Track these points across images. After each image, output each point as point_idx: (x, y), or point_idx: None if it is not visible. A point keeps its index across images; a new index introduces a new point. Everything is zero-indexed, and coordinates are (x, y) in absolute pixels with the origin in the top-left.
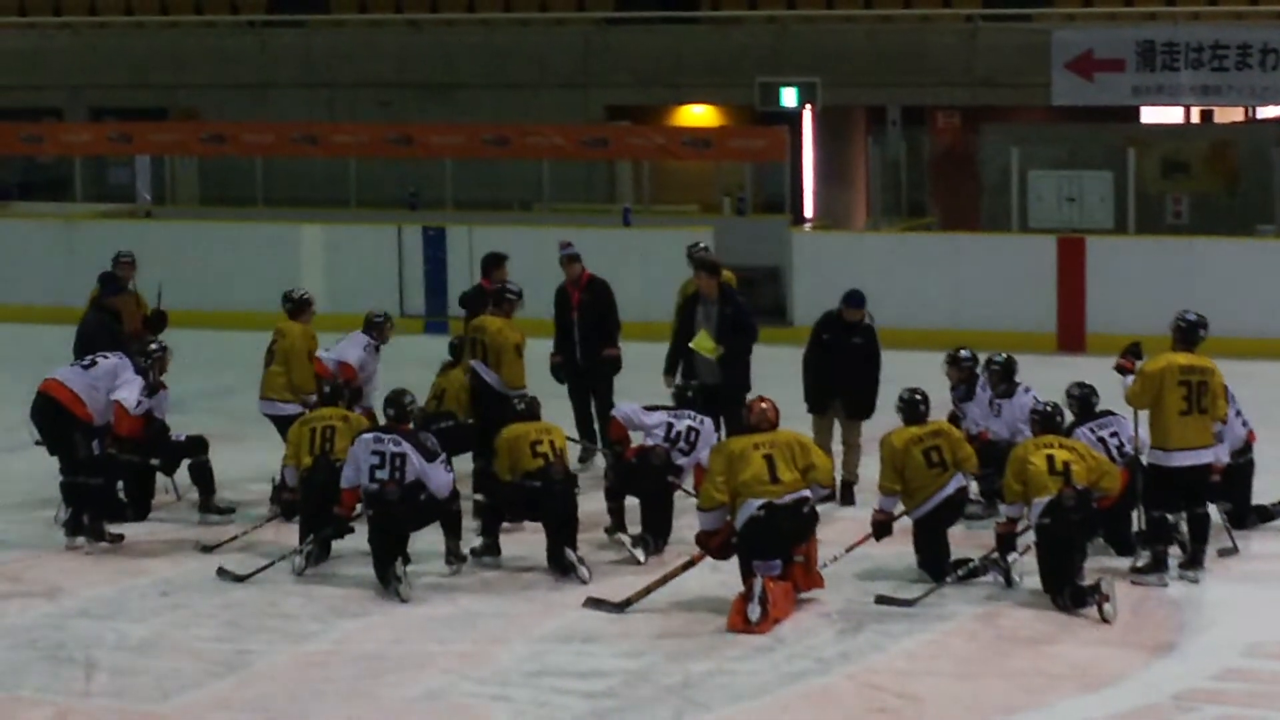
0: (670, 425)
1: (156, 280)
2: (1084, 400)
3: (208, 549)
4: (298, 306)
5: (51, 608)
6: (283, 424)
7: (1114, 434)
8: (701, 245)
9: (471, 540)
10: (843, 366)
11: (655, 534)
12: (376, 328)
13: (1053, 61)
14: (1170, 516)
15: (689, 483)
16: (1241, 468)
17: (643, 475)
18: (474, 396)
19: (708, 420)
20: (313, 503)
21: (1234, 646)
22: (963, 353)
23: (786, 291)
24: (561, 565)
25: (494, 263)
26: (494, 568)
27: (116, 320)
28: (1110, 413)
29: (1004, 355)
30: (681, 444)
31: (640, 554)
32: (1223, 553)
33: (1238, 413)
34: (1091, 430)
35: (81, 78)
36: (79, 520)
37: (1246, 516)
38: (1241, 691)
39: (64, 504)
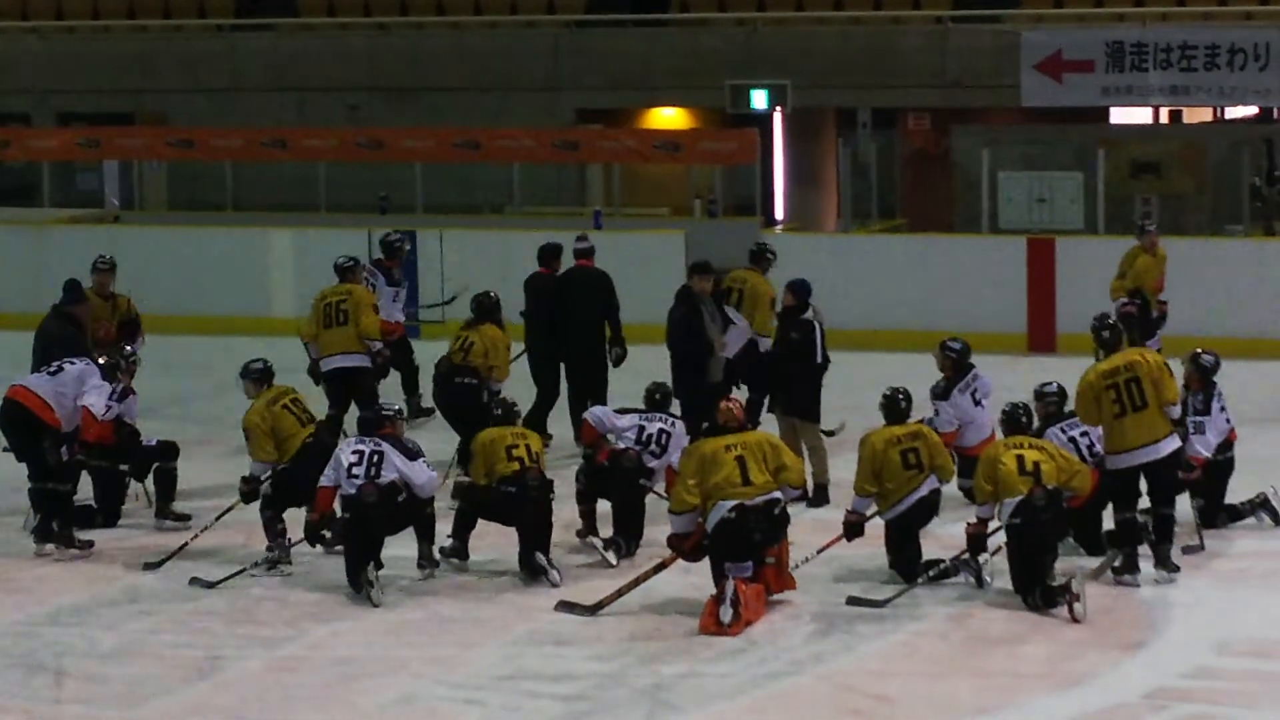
0: (642, 428)
1: (127, 287)
2: (1053, 401)
3: (151, 566)
4: (351, 271)
5: (21, 615)
6: (354, 377)
7: (1084, 433)
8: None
9: (442, 540)
10: (780, 362)
11: (627, 537)
12: (395, 251)
13: (1022, 63)
14: (1140, 517)
15: (661, 486)
16: (1220, 465)
17: (614, 478)
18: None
19: (679, 423)
20: (281, 500)
21: (1204, 645)
22: (950, 342)
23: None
24: (532, 569)
25: (552, 253)
26: (463, 571)
27: (78, 328)
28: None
29: (960, 342)
30: (653, 446)
31: (612, 557)
32: (1188, 550)
33: (1222, 408)
34: (1062, 430)
35: (49, 83)
36: (48, 527)
37: (1217, 515)
38: (1212, 690)
39: (33, 510)
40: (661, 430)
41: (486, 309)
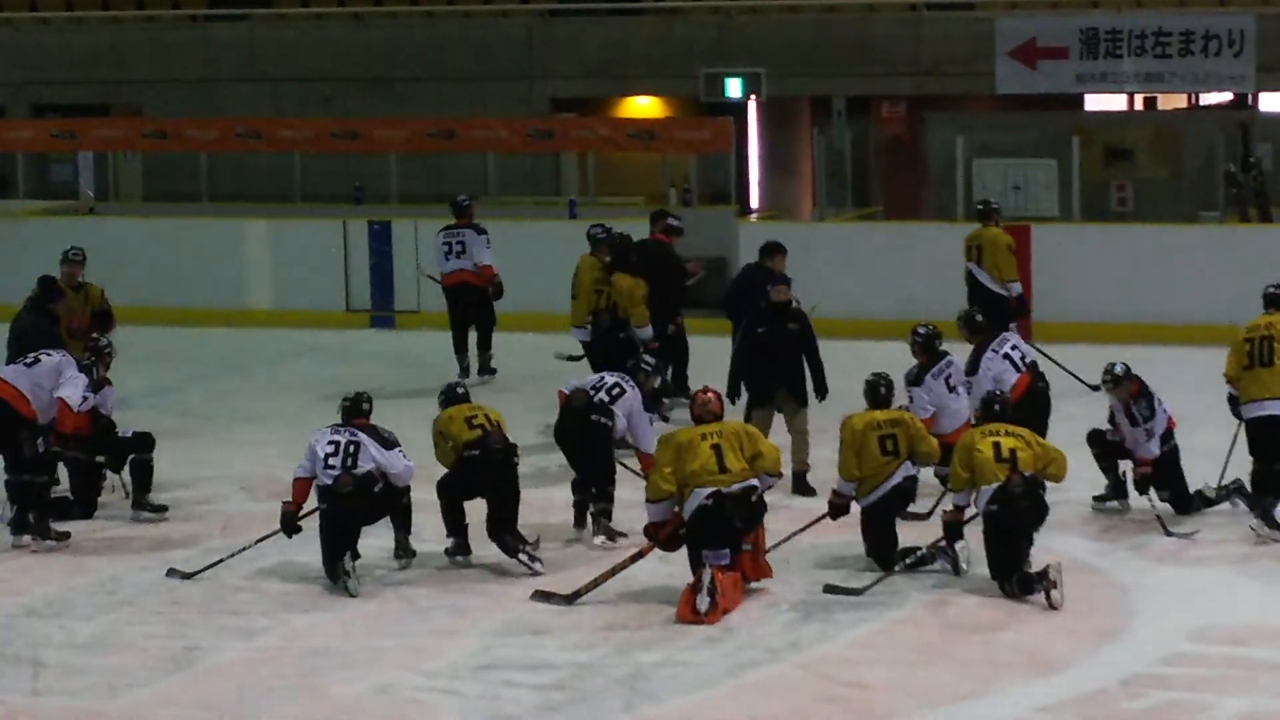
0: (602, 378)
1: (100, 278)
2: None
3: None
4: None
5: None
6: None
7: (1015, 347)
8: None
9: (422, 535)
10: (785, 355)
11: (595, 484)
12: (466, 210)
13: (996, 50)
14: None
15: (632, 462)
16: (1170, 454)
17: (567, 419)
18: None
19: (638, 390)
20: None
21: (1181, 632)
22: (919, 328)
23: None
24: (505, 546)
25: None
26: (467, 566)
27: (54, 324)
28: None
29: (927, 327)
30: (603, 394)
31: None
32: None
33: (1161, 404)
34: (994, 350)
35: (23, 74)
36: (25, 518)
37: (1190, 502)
38: (1189, 676)
39: (9, 502)
40: (617, 384)
41: (619, 255)
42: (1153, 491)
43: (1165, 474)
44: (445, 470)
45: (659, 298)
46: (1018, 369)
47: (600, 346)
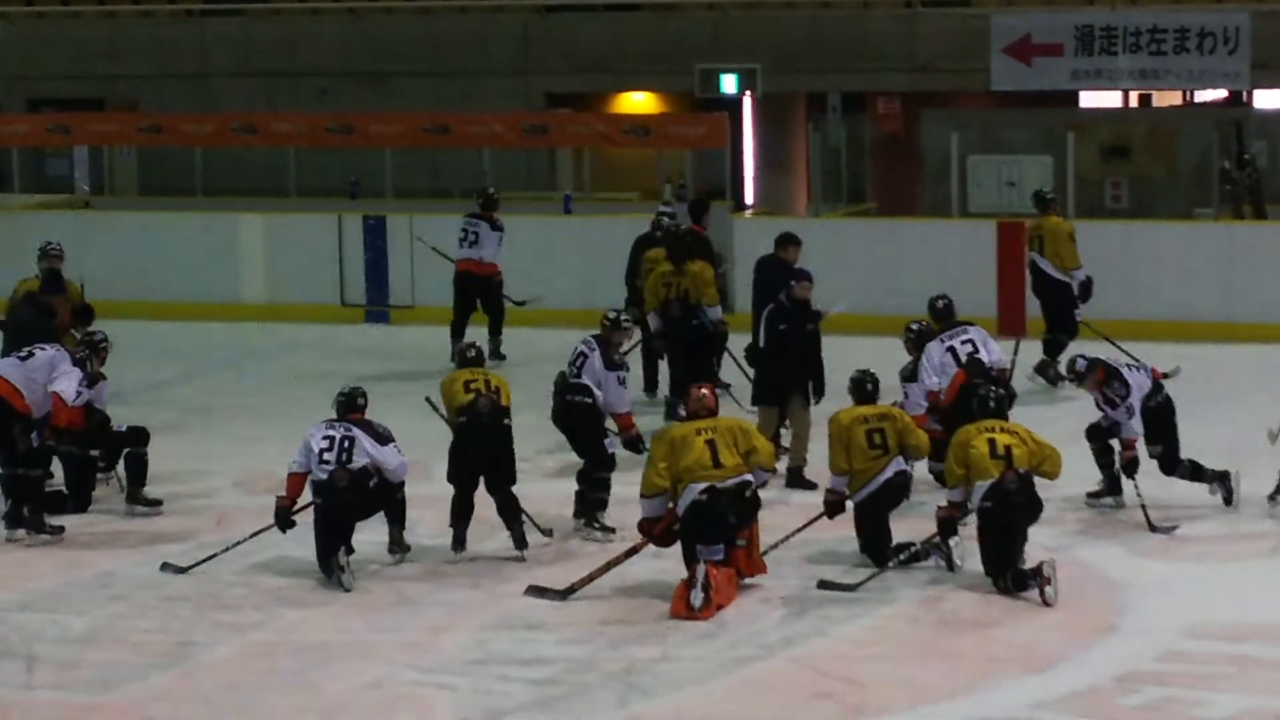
0: (575, 349)
1: (80, 273)
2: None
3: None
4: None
5: None
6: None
7: (966, 341)
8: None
9: (416, 530)
10: (801, 353)
11: (587, 467)
12: (493, 203)
13: (991, 46)
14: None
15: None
16: (1159, 409)
17: (555, 400)
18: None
19: (598, 349)
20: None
21: (1175, 628)
22: (912, 325)
23: (728, 278)
24: (512, 530)
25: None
26: (461, 561)
27: (52, 318)
28: (970, 324)
29: (920, 324)
30: (574, 369)
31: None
32: (1158, 529)
33: (1135, 368)
34: (941, 341)
35: (18, 68)
36: (19, 513)
37: (1177, 464)
38: (1183, 673)
39: (4, 497)
40: (580, 353)
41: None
42: (1139, 481)
43: (1157, 429)
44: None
45: None
46: (958, 363)
47: (677, 335)
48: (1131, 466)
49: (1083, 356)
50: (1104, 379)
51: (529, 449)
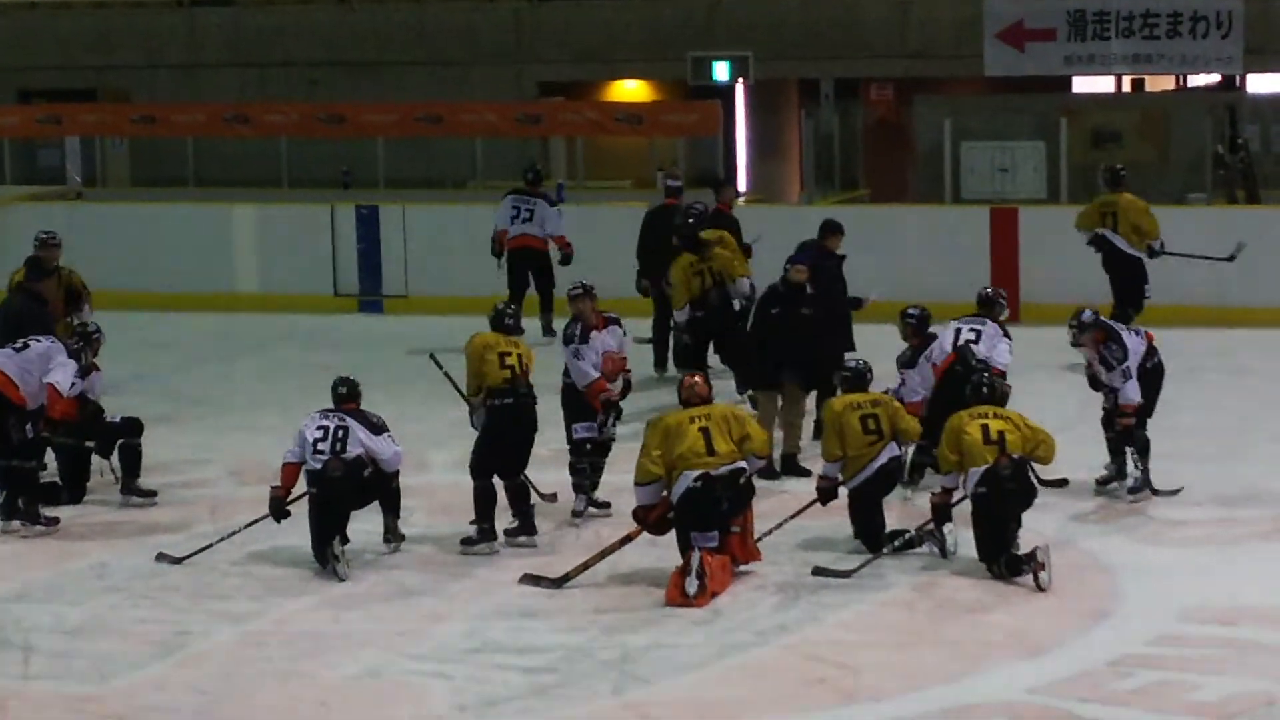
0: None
1: (79, 263)
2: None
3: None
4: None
5: None
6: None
7: (973, 329)
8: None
9: (410, 519)
10: (795, 338)
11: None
12: (539, 180)
13: (984, 32)
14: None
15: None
16: (1150, 373)
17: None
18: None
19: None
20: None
21: (1169, 612)
22: (910, 310)
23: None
24: (524, 516)
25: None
26: (493, 554)
27: (43, 304)
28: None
29: (918, 309)
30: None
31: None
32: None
33: (1132, 333)
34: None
35: (9, 59)
36: (14, 504)
37: (1140, 432)
38: (1177, 657)
39: None
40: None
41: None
42: (1133, 455)
43: (1152, 391)
44: (466, 396)
45: None
46: (953, 346)
47: (717, 324)
48: (1128, 436)
49: (1093, 310)
50: (1103, 339)
51: None
